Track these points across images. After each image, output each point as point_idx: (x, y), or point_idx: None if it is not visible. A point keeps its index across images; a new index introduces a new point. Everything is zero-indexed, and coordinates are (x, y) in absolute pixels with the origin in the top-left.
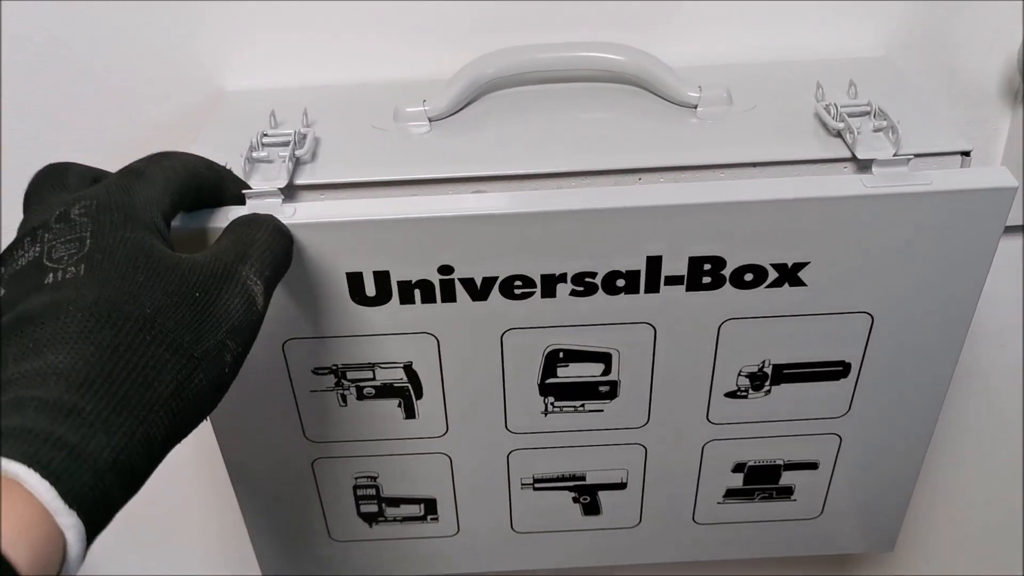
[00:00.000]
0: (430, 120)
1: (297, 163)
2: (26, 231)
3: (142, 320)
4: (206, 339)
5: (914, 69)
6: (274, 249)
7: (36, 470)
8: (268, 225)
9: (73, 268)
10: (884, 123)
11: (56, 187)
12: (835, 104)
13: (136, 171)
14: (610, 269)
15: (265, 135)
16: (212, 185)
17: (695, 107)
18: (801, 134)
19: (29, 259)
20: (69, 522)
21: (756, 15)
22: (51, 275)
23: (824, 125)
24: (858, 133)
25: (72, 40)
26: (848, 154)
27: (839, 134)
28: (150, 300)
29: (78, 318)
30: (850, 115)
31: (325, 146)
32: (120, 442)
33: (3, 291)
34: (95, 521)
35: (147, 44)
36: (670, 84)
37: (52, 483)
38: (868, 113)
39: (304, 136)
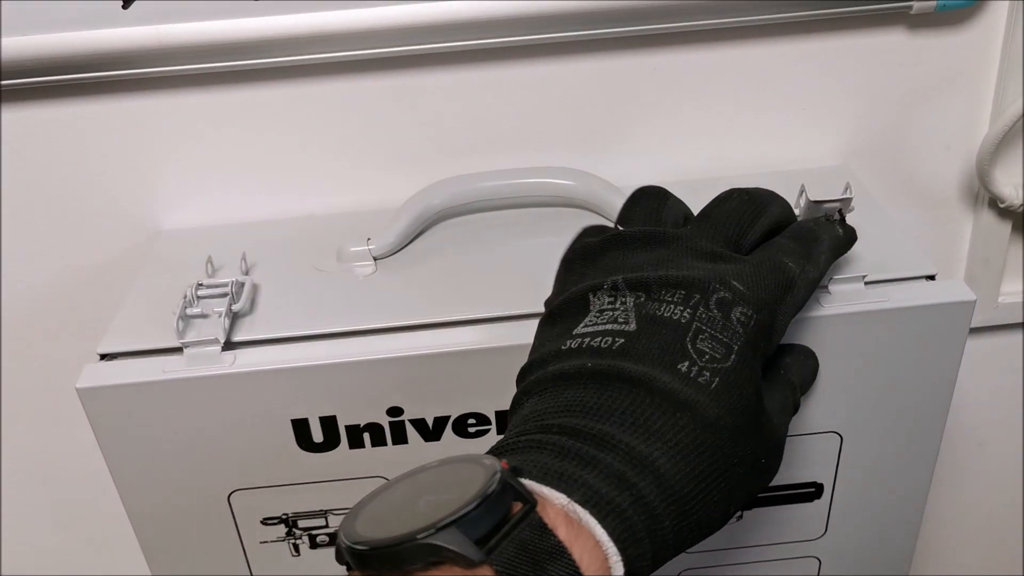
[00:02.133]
0: (375, 259)
1: (235, 317)
2: (675, 278)
3: (728, 463)
4: (727, 510)
5: (872, 175)
6: None
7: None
8: None
9: (708, 374)
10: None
11: (656, 210)
12: None
13: (789, 287)
14: None
15: (200, 285)
16: None
17: None
18: None
19: (674, 317)
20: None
21: (709, 128)
22: (686, 364)
23: None
24: None
25: (4, 183)
26: None
27: None
28: (743, 449)
29: (692, 431)
30: None
31: (265, 294)
32: (679, 548)
33: (634, 326)
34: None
35: (80, 184)
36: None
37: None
38: None
39: (242, 286)
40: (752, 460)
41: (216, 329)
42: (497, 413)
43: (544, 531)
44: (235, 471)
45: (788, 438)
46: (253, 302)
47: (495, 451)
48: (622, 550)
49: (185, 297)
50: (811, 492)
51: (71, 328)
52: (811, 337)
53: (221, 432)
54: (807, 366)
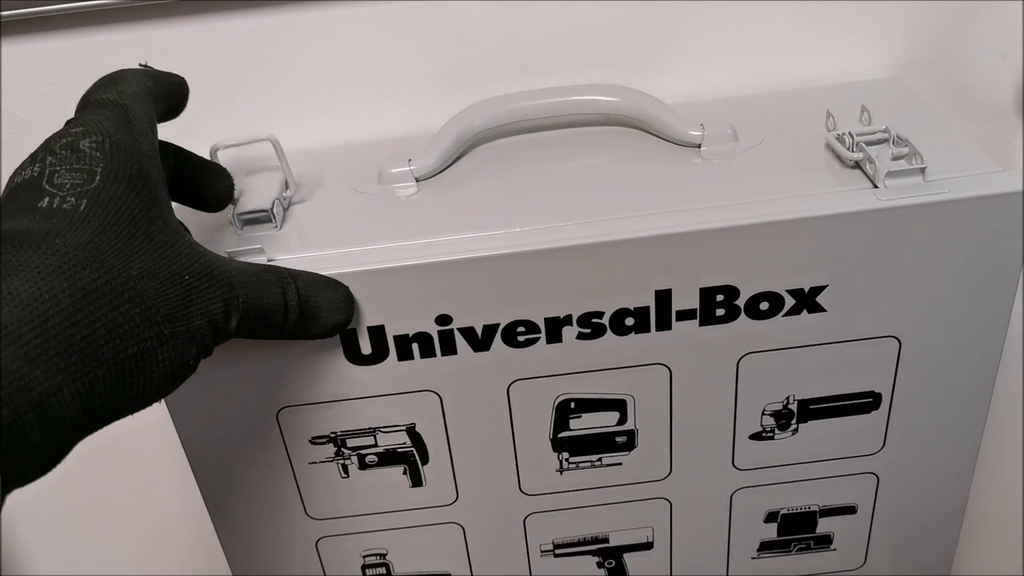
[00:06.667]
0: (417, 180)
1: (278, 234)
2: (34, 152)
3: (125, 277)
4: (180, 323)
5: (925, 87)
6: (269, 305)
7: None
8: (287, 288)
9: (73, 199)
10: (905, 149)
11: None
12: (850, 133)
13: (119, 106)
14: (618, 307)
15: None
16: (158, 97)
17: (698, 147)
18: (814, 169)
19: (26, 178)
20: None
21: (755, 42)
22: (47, 199)
23: (838, 157)
24: (878, 163)
25: (26, 117)
26: (867, 186)
27: (857, 165)
28: (140, 262)
29: (61, 253)
30: (867, 143)
31: (307, 215)
32: (54, 386)
33: None
34: (6, 462)
35: None
36: (670, 124)
37: None
38: (886, 140)
39: (284, 208)
40: (164, 275)
41: (261, 241)
42: (546, 320)
43: None
44: (285, 387)
45: (842, 344)
46: (296, 222)
47: None
48: None
49: (229, 215)
50: (868, 403)
51: None
52: (866, 233)
53: (269, 344)
54: (325, 288)
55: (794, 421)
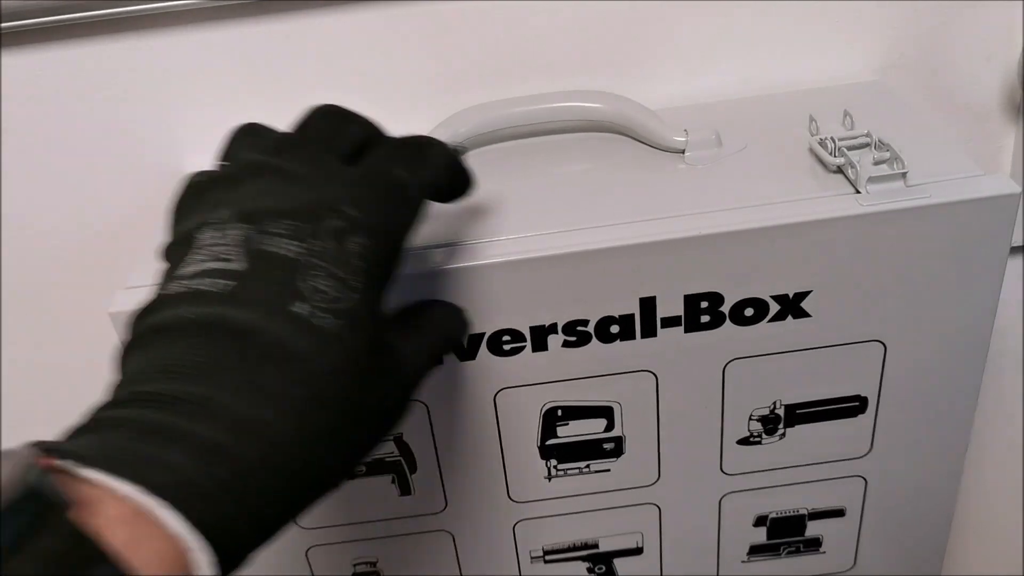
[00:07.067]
0: None
1: None
2: (280, 208)
3: (344, 420)
4: (366, 457)
5: (910, 90)
6: None
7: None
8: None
9: (329, 317)
10: (887, 154)
11: (261, 139)
12: (832, 138)
13: (409, 203)
14: (602, 315)
15: None
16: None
17: (682, 152)
18: (797, 173)
19: (281, 253)
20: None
21: (741, 47)
22: (299, 305)
23: (821, 162)
24: (859, 168)
25: (27, 128)
26: (850, 191)
27: (839, 170)
28: (362, 398)
29: (306, 386)
30: (849, 148)
31: None
32: (255, 536)
33: (244, 264)
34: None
35: (102, 127)
36: (654, 129)
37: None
38: (868, 144)
39: None
40: (378, 407)
41: None
42: (531, 329)
43: (80, 540)
44: None
45: (827, 348)
46: None
47: (74, 429)
48: (211, 537)
49: None
50: (855, 406)
51: (96, 275)
52: (848, 238)
53: None
54: (453, 316)
55: (781, 426)
